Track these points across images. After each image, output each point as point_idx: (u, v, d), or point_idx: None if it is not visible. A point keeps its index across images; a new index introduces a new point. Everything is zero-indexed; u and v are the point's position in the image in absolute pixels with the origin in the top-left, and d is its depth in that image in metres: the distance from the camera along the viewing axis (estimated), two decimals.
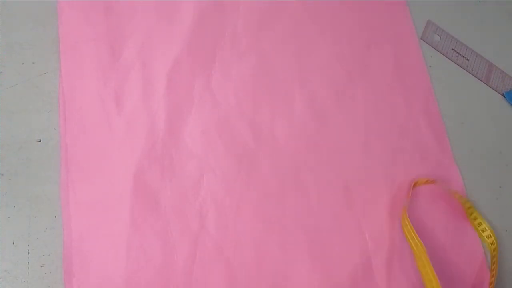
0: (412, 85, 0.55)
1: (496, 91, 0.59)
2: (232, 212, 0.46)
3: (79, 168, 0.44)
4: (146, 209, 0.44)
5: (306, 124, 0.50)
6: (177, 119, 0.48)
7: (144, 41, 0.49)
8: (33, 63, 0.46)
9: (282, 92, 0.51)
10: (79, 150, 0.44)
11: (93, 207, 0.43)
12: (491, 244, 0.47)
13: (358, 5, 0.57)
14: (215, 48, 0.51)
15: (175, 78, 0.49)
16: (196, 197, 0.46)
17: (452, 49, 0.59)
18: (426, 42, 0.58)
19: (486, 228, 0.48)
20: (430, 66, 0.57)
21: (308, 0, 0.55)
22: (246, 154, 0.48)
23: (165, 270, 0.42)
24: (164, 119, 0.47)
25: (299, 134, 0.50)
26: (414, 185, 0.48)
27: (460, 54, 0.59)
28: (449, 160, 0.53)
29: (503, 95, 0.59)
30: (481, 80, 0.59)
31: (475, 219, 0.49)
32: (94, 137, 0.45)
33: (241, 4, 0.54)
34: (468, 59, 0.59)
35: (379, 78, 0.54)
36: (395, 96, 0.54)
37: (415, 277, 0.46)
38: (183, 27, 0.51)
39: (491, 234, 0.47)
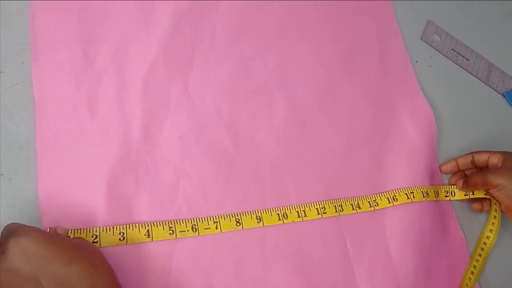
0: (398, 86, 0.54)
1: (496, 91, 0.59)
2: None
3: (51, 176, 0.41)
4: (119, 218, 0.41)
5: (287, 128, 0.48)
6: (153, 125, 0.45)
7: (118, 45, 0.46)
8: None
9: (262, 96, 0.49)
10: (50, 158, 0.41)
11: (66, 216, 0.40)
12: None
13: (341, 5, 0.55)
14: (192, 51, 0.49)
15: (151, 83, 0.46)
16: (172, 205, 0.43)
17: (452, 49, 0.59)
18: (426, 42, 0.58)
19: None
20: (430, 66, 0.57)
21: (289, 0, 0.53)
22: (225, 160, 0.46)
23: (140, 281, 0.40)
24: (139, 125, 0.44)
25: (279, 139, 0.48)
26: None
27: (460, 54, 0.59)
28: (435, 162, 0.52)
29: (503, 95, 0.59)
30: (481, 80, 0.59)
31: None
32: (66, 143, 0.42)
33: (220, 5, 0.51)
34: (468, 59, 0.59)
35: (363, 79, 0.53)
36: (380, 98, 0.52)
37: (398, 281, 0.45)
38: (159, 29, 0.48)
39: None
